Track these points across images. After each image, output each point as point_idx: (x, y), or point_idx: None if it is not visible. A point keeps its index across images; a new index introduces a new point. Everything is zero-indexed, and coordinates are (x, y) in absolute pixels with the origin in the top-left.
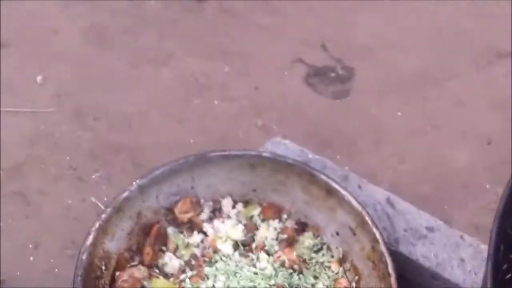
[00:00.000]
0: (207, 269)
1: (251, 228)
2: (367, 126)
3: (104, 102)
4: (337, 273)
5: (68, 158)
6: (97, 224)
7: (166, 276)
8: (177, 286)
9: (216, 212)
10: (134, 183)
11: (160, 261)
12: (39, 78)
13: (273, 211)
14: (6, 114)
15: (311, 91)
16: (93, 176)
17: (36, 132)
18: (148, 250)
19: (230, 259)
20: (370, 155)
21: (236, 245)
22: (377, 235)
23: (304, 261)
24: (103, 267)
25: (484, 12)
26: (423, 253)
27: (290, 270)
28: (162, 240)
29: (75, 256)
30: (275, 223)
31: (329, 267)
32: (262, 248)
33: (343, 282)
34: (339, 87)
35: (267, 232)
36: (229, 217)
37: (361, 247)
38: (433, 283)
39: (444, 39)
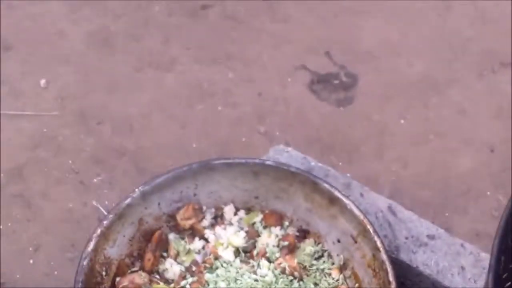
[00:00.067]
0: (207, 276)
1: (252, 235)
2: (370, 132)
3: (107, 106)
4: (337, 280)
5: (70, 161)
6: (98, 231)
7: (167, 282)
8: None
9: (218, 218)
10: (137, 190)
11: (161, 267)
12: (42, 82)
13: (275, 218)
14: (9, 117)
15: (314, 98)
16: (95, 180)
17: (39, 135)
18: (149, 256)
19: (231, 265)
20: (373, 161)
21: (237, 252)
22: (378, 244)
23: (305, 268)
24: (104, 273)
25: (487, 21)
26: (424, 261)
27: (291, 277)
28: (163, 246)
29: (75, 259)
30: (276, 230)
31: (329, 274)
32: (263, 255)
33: None
34: (342, 95)
35: (269, 239)
36: (230, 223)
37: (362, 255)
38: None
39: (447, 47)
